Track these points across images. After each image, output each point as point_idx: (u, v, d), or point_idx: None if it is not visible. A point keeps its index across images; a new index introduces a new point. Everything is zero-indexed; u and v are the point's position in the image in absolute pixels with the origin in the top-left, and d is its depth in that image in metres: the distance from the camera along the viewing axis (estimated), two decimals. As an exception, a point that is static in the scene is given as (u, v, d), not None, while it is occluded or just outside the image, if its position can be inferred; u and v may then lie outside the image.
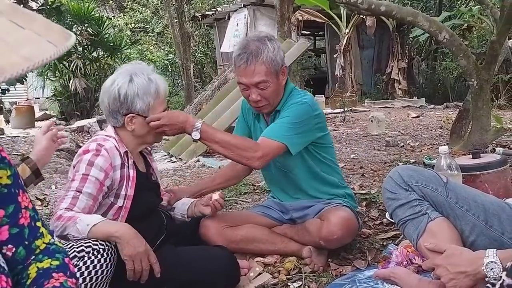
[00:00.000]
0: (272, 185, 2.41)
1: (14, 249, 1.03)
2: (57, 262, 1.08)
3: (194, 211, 2.17)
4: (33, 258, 1.07)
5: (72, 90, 10.96)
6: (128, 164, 1.87)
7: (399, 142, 5.42)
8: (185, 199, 2.22)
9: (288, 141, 2.03)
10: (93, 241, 1.59)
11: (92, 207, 1.75)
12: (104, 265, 1.57)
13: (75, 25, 10.81)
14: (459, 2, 11.37)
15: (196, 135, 1.94)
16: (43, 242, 1.11)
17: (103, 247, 1.59)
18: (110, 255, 1.61)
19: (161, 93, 1.88)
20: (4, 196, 1.01)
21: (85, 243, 1.57)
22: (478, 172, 2.31)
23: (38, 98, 15.20)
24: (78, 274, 1.46)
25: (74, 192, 1.73)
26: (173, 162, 5.36)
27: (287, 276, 2.04)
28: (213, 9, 13.76)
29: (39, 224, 1.11)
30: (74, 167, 1.80)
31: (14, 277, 1.03)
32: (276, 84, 2.09)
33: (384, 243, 2.30)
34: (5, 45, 0.66)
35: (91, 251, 1.55)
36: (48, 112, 12.99)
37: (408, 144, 5.35)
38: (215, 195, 2.13)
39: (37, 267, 1.05)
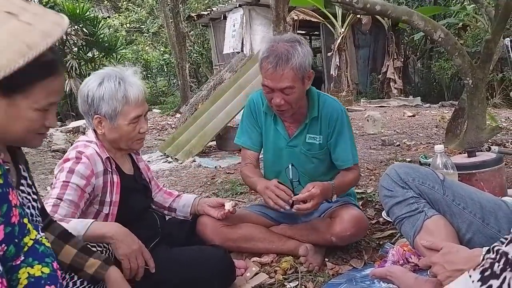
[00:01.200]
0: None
1: (5, 247, 1.02)
2: (47, 270, 1.07)
3: (197, 210, 2.17)
4: (22, 260, 1.06)
5: (67, 90, 10.90)
6: (111, 169, 1.86)
7: (395, 141, 5.43)
8: (185, 199, 2.21)
9: (357, 157, 2.27)
10: (89, 243, 1.58)
11: (74, 213, 1.73)
12: None
13: (70, 25, 10.76)
14: (454, 1, 11.39)
15: (334, 198, 2.12)
16: (30, 239, 1.10)
17: (100, 248, 1.59)
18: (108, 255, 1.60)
19: (130, 98, 1.82)
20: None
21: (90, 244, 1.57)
22: (473, 171, 2.31)
23: (33, 99, 15.12)
24: (75, 277, 1.45)
25: (55, 200, 1.71)
26: (169, 162, 5.35)
27: (283, 276, 2.03)
28: (208, 9, 13.73)
29: (25, 220, 1.10)
30: (55, 176, 1.79)
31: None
32: (302, 89, 2.06)
33: (381, 242, 2.30)
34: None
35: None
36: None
37: (404, 143, 5.36)
38: (228, 205, 2.12)
39: (28, 273, 1.04)
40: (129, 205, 1.90)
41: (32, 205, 1.26)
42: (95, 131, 1.89)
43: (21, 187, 1.25)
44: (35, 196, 1.31)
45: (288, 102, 2.04)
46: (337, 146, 2.20)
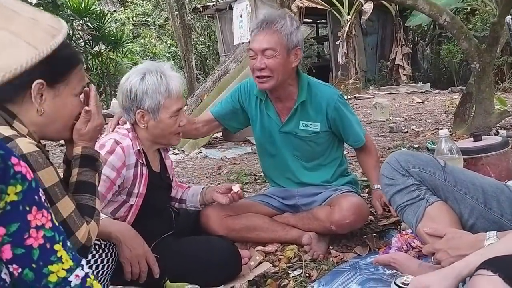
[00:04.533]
0: (277, 171, 2.36)
1: (20, 269, 0.93)
2: None
3: (206, 199, 2.16)
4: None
5: (75, 85, 10.96)
6: (142, 161, 1.85)
7: (403, 128, 5.39)
8: (193, 189, 2.21)
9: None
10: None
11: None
12: (105, 260, 1.57)
13: (75, 20, 10.79)
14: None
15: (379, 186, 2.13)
16: (62, 269, 0.96)
17: (104, 242, 1.59)
18: (111, 251, 1.61)
19: (172, 92, 1.82)
20: (7, 213, 0.90)
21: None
22: (479, 155, 2.27)
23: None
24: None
25: None
26: (176, 154, 5.36)
27: (287, 264, 2.03)
28: (214, 0, 13.69)
29: (57, 247, 0.97)
30: None
31: None
32: (285, 60, 2.07)
33: (386, 229, 2.28)
34: None
35: (93, 246, 1.55)
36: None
37: (412, 129, 5.32)
38: (235, 187, 2.11)
39: None
40: (151, 202, 1.90)
41: None
42: (133, 125, 1.88)
43: None
44: None
45: (269, 67, 2.05)
46: (345, 129, 2.24)
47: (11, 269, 0.92)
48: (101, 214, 1.64)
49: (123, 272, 1.65)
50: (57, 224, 0.98)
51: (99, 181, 1.34)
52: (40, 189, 0.96)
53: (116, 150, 1.77)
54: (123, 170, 1.79)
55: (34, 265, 0.93)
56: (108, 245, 1.60)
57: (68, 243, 1.00)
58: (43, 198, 0.96)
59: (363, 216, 2.14)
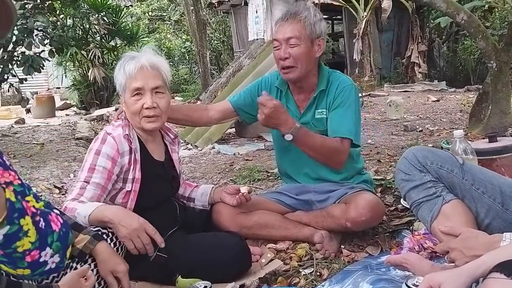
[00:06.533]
0: (294, 166, 2.33)
1: None
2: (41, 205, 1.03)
3: (214, 198, 2.18)
4: None
5: (91, 79, 11.05)
6: (131, 146, 1.87)
7: (417, 127, 5.35)
8: (202, 189, 2.23)
9: (357, 137, 2.13)
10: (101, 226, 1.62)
11: (100, 196, 1.78)
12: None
13: (91, 14, 10.86)
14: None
15: (289, 137, 2.00)
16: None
17: (112, 230, 1.64)
18: (117, 239, 1.65)
19: (128, 71, 1.86)
20: None
21: (94, 227, 1.62)
22: (494, 156, 2.25)
23: (59, 88, 15.38)
24: (89, 260, 1.47)
25: (82, 183, 1.77)
26: (189, 149, 5.40)
27: (298, 263, 2.02)
28: (229, -5, 13.68)
29: (29, 198, 1.02)
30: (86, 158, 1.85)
31: None
32: (309, 49, 2.11)
33: (398, 229, 2.27)
34: None
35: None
36: (68, 102, 13.15)
37: (427, 128, 5.28)
38: (243, 188, 2.13)
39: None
40: (152, 191, 1.91)
41: None
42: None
43: None
44: None
45: (294, 56, 2.09)
46: (333, 116, 2.14)
47: None
48: (94, 204, 1.68)
49: (134, 268, 1.66)
50: (22, 182, 1.02)
51: None
52: (3, 155, 1.00)
53: (107, 140, 1.82)
54: (118, 158, 1.82)
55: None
56: (113, 238, 1.63)
57: (39, 195, 1.05)
58: (7, 162, 1.00)
59: (379, 214, 2.13)
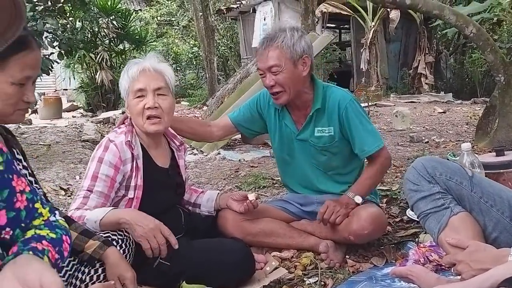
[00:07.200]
0: (294, 179, 2.36)
1: (11, 232, 1.05)
2: (54, 235, 1.10)
3: (220, 204, 2.18)
4: (34, 227, 1.10)
5: (98, 82, 11.11)
6: (133, 153, 1.87)
7: (423, 138, 5.33)
8: (209, 194, 2.23)
9: (380, 139, 2.19)
10: (111, 232, 1.62)
11: (103, 204, 1.78)
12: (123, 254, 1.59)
13: (101, 18, 10.94)
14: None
15: (358, 199, 2.10)
16: (43, 220, 1.12)
17: (121, 237, 1.62)
18: (128, 246, 1.63)
19: (130, 75, 1.89)
20: None
21: (104, 233, 1.60)
22: (501, 170, 2.25)
23: (66, 90, 15.47)
24: (97, 265, 1.48)
25: (85, 192, 1.78)
26: (195, 154, 5.40)
27: (303, 272, 2.02)
28: (238, 2, 13.75)
29: (37, 205, 1.12)
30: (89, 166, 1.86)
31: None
32: (292, 72, 2.08)
33: (404, 241, 2.26)
34: None
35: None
36: (75, 103, 13.22)
37: (433, 140, 5.27)
38: (251, 196, 2.13)
39: (35, 232, 1.08)
40: (155, 198, 1.91)
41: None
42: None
43: None
44: (31, 178, 1.35)
45: (278, 83, 2.08)
46: (352, 137, 2.16)
47: (3, 235, 1.04)
48: (103, 209, 1.69)
49: (143, 271, 1.67)
50: (31, 187, 1.11)
51: None
52: (14, 160, 1.09)
53: (109, 147, 1.82)
54: (121, 165, 1.82)
55: (23, 224, 1.07)
56: (124, 239, 1.62)
57: (44, 199, 1.15)
58: (18, 167, 1.09)
59: (382, 227, 2.13)
